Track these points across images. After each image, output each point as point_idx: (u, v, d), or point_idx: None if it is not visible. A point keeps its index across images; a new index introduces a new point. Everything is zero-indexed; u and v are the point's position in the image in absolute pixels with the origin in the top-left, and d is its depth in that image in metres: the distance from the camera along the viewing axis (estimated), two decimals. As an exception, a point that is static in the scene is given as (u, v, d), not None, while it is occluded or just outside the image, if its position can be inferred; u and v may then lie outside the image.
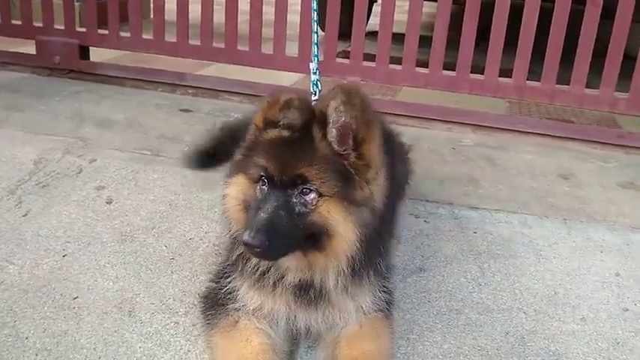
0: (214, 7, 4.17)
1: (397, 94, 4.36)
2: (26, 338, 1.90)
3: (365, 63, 3.97)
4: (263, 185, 1.71)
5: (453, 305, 2.20)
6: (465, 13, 3.79)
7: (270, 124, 1.72)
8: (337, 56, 4.10)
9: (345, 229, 1.67)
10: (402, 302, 2.19)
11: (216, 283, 1.96)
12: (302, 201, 1.66)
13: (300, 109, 1.68)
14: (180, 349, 1.91)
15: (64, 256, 2.32)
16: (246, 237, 1.60)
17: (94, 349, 1.88)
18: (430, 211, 2.81)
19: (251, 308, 1.87)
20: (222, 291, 1.91)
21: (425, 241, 2.58)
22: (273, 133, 1.71)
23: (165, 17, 4.35)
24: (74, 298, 2.09)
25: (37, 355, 1.85)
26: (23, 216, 2.56)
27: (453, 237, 2.63)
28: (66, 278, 2.20)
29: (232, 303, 1.88)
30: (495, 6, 3.72)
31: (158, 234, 2.50)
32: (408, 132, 3.66)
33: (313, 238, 1.69)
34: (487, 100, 4.01)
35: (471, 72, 3.87)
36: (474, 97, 3.98)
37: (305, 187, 1.66)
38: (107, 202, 2.70)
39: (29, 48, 4.56)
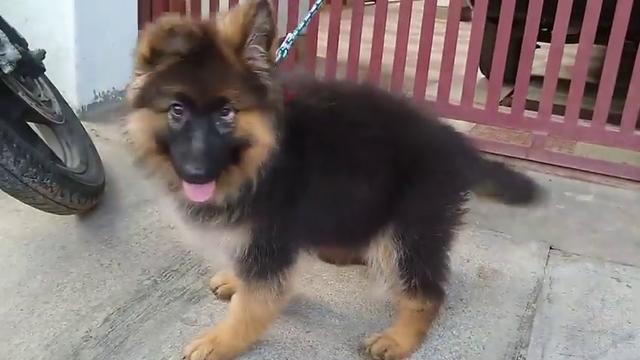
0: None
1: (573, 148, 4.34)
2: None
3: (553, 117, 3.91)
4: (178, 114, 1.66)
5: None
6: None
7: (157, 53, 1.65)
8: (501, 104, 4.16)
9: (263, 134, 1.72)
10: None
11: None
12: (223, 122, 1.68)
13: (185, 34, 1.61)
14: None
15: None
16: (192, 170, 1.62)
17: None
18: (631, 276, 2.81)
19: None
20: None
21: (630, 307, 2.59)
22: (170, 61, 1.64)
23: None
24: (307, 332, 2.37)
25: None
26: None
27: (660, 303, 2.61)
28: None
29: None
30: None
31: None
32: (593, 189, 3.66)
33: (233, 155, 1.73)
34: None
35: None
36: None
37: (225, 108, 1.67)
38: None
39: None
